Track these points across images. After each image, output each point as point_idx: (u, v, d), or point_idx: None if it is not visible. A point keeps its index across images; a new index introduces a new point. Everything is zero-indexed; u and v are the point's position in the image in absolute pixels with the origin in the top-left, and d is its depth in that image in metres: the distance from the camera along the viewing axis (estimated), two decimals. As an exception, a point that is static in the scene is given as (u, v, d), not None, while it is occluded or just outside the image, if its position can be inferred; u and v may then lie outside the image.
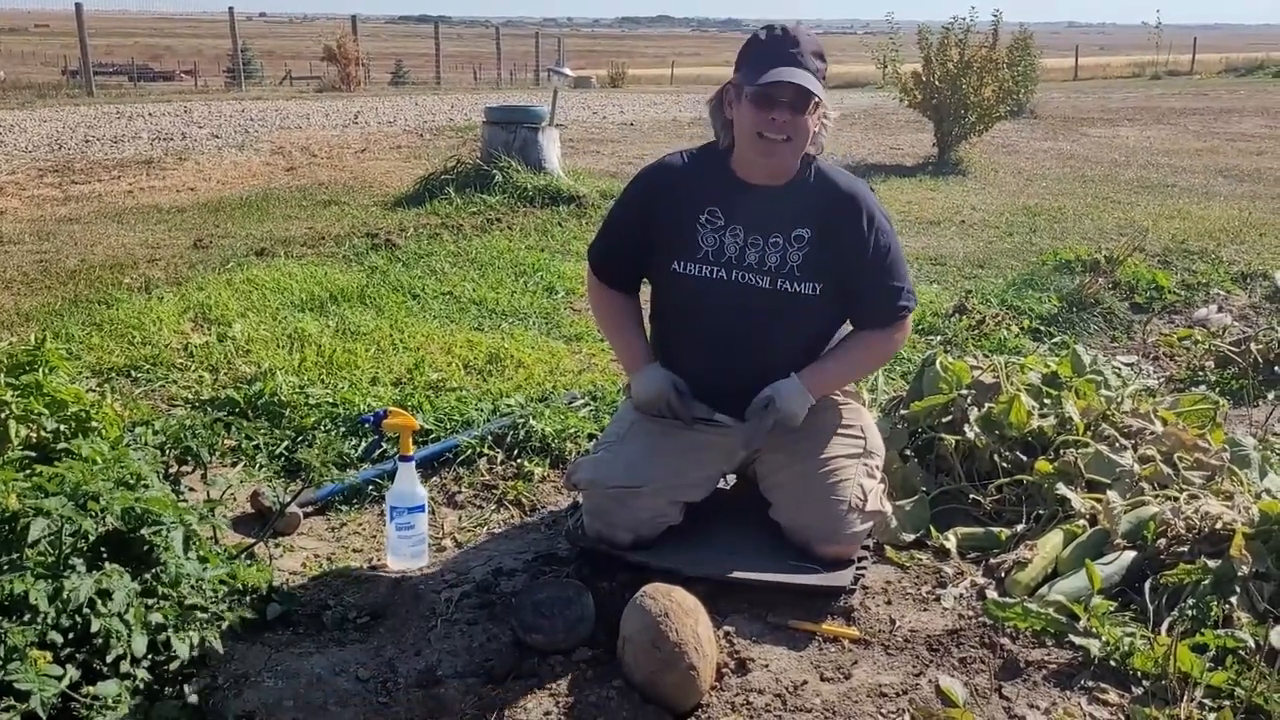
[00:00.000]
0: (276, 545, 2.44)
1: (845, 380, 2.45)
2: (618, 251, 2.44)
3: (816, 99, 2.17)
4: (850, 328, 2.44)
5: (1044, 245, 5.95)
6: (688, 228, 2.29)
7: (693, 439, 2.36)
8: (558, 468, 2.90)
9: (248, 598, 2.06)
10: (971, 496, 2.60)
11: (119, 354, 3.75)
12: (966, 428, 2.67)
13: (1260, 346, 3.75)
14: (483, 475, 2.87)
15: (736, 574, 2.21)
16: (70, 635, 1.65)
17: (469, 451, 2.94)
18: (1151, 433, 2.70)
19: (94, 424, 2.24)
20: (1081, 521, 2.40)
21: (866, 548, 2.38)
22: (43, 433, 2.18)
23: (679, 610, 1.88)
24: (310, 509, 2.66)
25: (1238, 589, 2.06)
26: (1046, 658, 2.01)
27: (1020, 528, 2.46)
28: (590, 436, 3.01)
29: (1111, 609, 2.10)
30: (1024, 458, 2.63)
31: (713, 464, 2.41)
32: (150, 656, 1.77)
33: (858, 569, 2.26)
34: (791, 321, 2.30)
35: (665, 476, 2.29)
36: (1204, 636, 1.95)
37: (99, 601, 1.66)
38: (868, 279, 2.30)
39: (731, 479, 2.62)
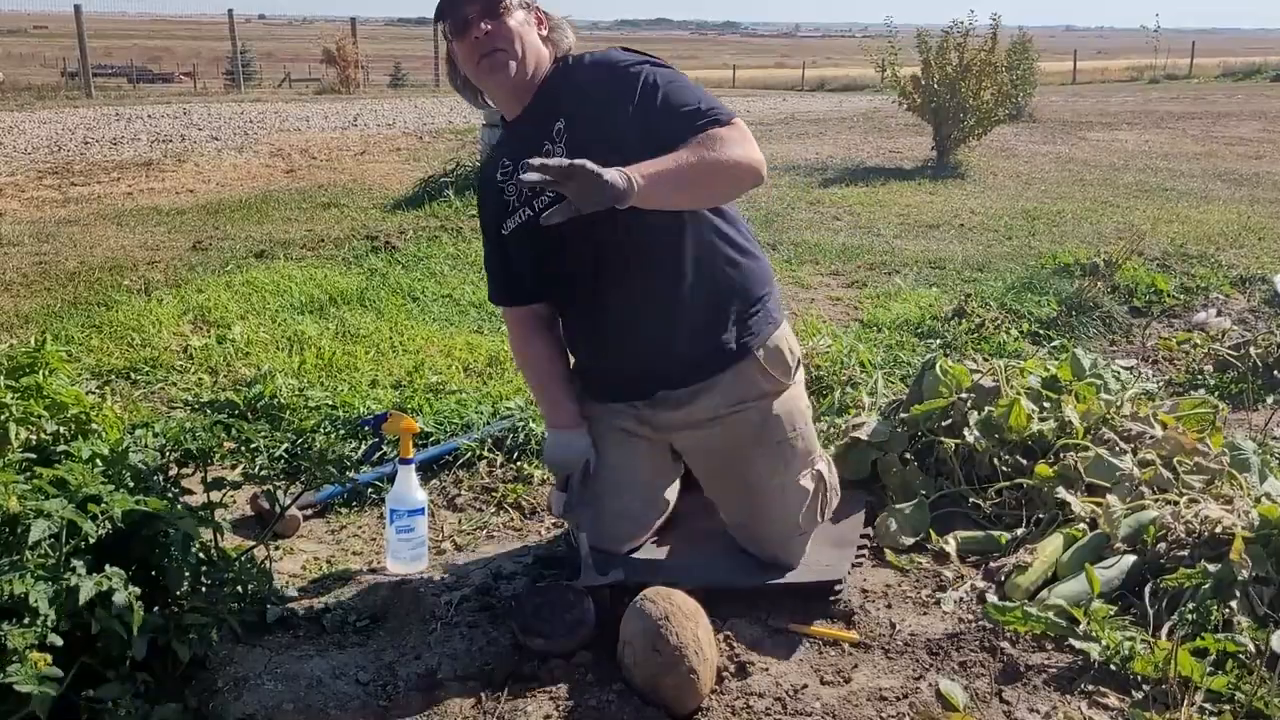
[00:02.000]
0: (276, 548, 2.44)
1: (675, 172, 1.91)
2: (505, 260, 2.31)
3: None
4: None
5: (1043, 248, 5.95)
6: (498, 191, 2.24)
7: (622, 439, 2.32)
8: (557, 470, 2.90)
9: (247, 600, 2.05)
10: (971, 500, 2.60)
11: (118, 356, 3.75)
12: (966, 431, 2.67)
13: (1259, 350, 3.75)
14: (482, 478, 2.87)
15: (729, 582, 2.21)
16: (71, 638, 1.65)
17: (469, 454, 2.94)
18: (1151, 436, 2.70)
19: (94, 426, 2.24)
20: (1081, 525, 2.40)
21: (863, 548, 2.39)
22: (43, 435, 2.17)
23: (679, 614, 1.88)
24: (310, 511, 2.66)
25: (1238, 593, 2.06)
26: (1046, 661, 2.01)
27: (1020, 531, 2.46)
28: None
29: (1111, 613, 2.10)
30: (1024, 461, 2.63)
31: (651, 460, 2.35)
32: (150, 659, 1.77)
33: (854, 562, 2.27)
34: (616, 220, 1.94)
35: (620, 475, 2.28)
36: (1204, 641, 1.94)
37: (99, 604, 1.66)
38: (649, 119, 2.04)
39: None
